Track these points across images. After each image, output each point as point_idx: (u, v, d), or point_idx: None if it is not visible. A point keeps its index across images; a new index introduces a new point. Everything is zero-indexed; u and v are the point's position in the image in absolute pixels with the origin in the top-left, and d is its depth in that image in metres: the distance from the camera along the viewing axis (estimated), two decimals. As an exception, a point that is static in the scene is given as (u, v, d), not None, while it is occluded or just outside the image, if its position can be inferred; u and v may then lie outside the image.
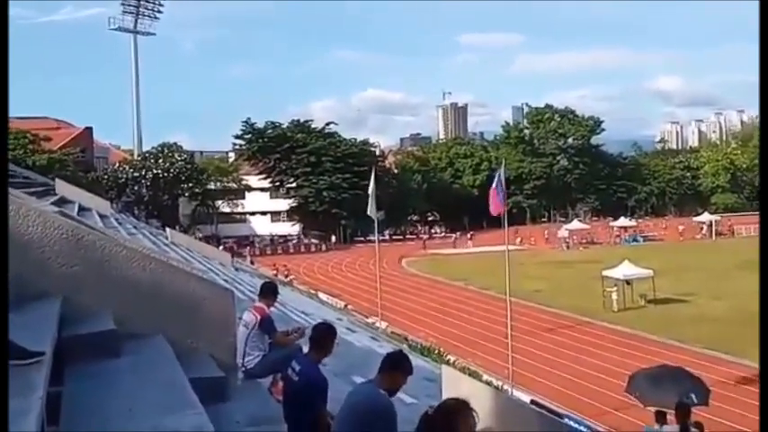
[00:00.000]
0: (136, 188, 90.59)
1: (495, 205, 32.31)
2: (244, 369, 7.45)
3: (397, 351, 5.90)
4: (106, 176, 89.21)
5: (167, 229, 37.30)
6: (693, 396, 17.59)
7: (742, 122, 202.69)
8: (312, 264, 74.84)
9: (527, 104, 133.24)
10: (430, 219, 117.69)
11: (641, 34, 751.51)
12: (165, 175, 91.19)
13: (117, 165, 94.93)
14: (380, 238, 63.99)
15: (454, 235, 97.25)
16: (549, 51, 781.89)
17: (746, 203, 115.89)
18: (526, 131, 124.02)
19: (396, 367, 5.39)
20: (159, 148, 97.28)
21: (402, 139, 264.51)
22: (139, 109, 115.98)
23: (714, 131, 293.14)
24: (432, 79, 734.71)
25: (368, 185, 42.99)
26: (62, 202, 21.21)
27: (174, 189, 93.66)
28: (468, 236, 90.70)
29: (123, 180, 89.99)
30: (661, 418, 14.47)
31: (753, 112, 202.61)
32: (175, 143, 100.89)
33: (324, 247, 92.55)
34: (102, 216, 23.46)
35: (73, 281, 5.67)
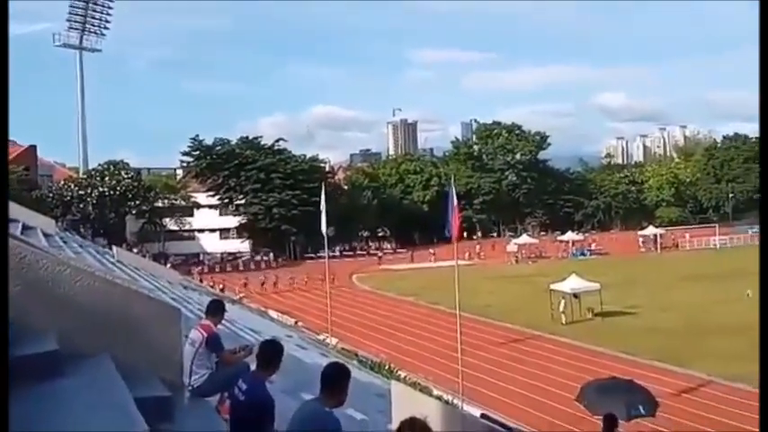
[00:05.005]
0: (81, 206, 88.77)
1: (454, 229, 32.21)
2: (190, 388, 7.36)
3: (333, 364, 5.85)
4: (51, 194, 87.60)
5: (114, 248, 36.71)
6: (641, 408, 17.94)
7: (685, 137, 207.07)
8: (262, 281, 74.26)
9: (476, 120, 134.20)
10: (380, 235, 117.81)
11: (587, 52, 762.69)
12: (112, 192, 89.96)
13: (62, 183, 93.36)
14: (331, 254, 63.87)
15: (410, 251, 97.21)
16: (499, 68, 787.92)
17: (690, 217, 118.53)
18: (475, 147, 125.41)
19: (337, 382, 5.35)
20: (105, 166, 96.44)
21: (352, 156, 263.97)
22: (85, 126, 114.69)
23: (658, 147, 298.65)
24: (382, 95, 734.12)
25: (318, 202, 42.93)
26: (5, 220, 20.77)
27: (120, 207, 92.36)
28: (432, 251, 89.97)
29: (69, 198, 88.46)
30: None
31: (695, 127, 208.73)
32: (122, 160, 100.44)
33: (274, 264, 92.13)
34: (46, 235, 23.09)
35: (15, 301, 5.56)
